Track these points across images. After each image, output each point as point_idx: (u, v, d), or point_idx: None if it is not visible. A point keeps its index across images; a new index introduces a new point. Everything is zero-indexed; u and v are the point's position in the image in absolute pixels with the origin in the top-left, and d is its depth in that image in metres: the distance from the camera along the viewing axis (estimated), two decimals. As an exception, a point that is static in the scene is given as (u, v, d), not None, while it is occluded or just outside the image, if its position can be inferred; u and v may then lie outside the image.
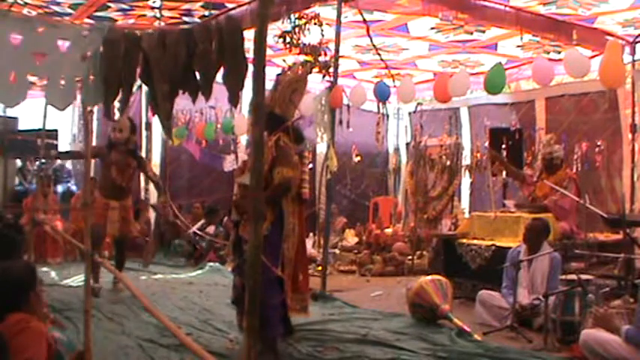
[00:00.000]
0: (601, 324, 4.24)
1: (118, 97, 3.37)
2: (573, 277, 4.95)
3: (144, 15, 7.70)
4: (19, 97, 3.13)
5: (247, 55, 3.32)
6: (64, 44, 3.22)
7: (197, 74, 3.36)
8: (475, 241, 6.66)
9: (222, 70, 3.34)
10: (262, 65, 2.25)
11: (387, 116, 11.75)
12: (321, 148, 8.62)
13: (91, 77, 3.21)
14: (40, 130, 7.05)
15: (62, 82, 3.17)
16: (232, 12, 7.06)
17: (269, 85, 3.84)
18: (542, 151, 7.02)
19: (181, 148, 11.11)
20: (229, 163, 11.10)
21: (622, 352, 3.97)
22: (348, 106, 8.00)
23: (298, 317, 4.87)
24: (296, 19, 7.04)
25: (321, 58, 7.36)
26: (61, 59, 3.15)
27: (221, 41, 3.27)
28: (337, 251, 9.50)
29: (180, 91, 3.39)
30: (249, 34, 3.23)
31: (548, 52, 8.68)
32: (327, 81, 7.54)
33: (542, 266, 5.46)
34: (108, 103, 3.34)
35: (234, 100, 3.36)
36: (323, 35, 7.26)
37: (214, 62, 3.30)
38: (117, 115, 3.65)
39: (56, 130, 11.40)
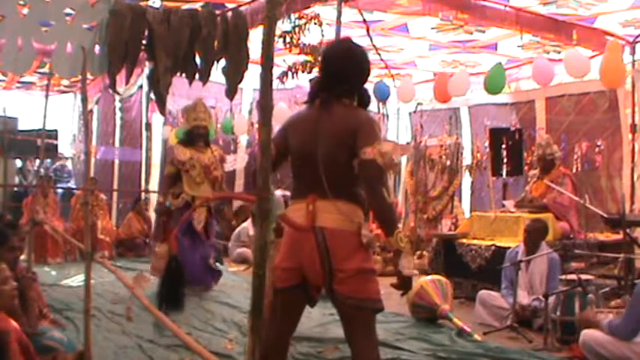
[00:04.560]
0: (584, 326, 4.28)
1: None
2: (573, 277, 4.95)
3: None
4: (25, 65, 3.18)
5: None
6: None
7: (197, 58, 3.36)
8: (475, 241, 6.66)
9: (222, 61, 3.34)
10: (270, 66, 2.24)
11: (387, 116, 11.76)
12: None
13: (97, 47, 3.22)
14: (40, 130, 7.05)
15: (68, 50, 3.19)
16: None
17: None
18: (541, 151, 7.00)
19: (181, 148, 11.09)
20: (229, 163, 11.10)
21: (624, 351, 3.98)
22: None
23: None
24: (296, 19, 7.04)
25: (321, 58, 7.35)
26: (67, 28, 3.17)
27: (226, 32, 3.28)
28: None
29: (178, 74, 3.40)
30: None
31: (548, 52, 8.68)
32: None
33: (540, 267, 5.46)
34: (113, 74, 3.34)
35: (231, 93, 3.36)
36: (323, 35, 7.26)
37: (216, 49, 3.30)
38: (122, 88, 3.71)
39: (56, 130, 11.43)
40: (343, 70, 2.84)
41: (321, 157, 2.72)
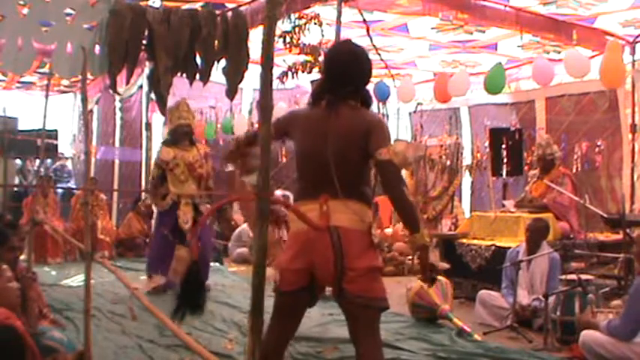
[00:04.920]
0: (584, 327, 4.29)
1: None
2: (573, 277, 4.95)
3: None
4: (25, 65, 3.18)
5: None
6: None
7: (198, 58, 3.35)
8: (475, 241, 6.65)
9: (222, 61, 3.34)
10: (270, 66, 2.24)
11: (387, 116, 11.75)
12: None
13: (97, 47, 3.22)
14: (40, 130, 7.05)
15: (69, 50, 3.19)
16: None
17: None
18: (542, 151, 6.99)
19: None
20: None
21: (624, 351, 3.99)
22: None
23: None
24: (296, 19, 7.04)
25: (321, 58, 7.36)
26: (67, 28, 3.17)
27: (226, 32, 3.27)
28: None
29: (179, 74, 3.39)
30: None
31: (548, 52, 8.69)
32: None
33: (541, 267, 5.45)
34: (113, 74, 3.33)
35: (231, 93, 3.36)
36: (323, 35, 7.26)
37: (216, 49, 3.30)
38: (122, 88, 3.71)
39: (56, 130, 11.44)
40: (347, 72, 2.88)
41: (333, 158, 2.75)
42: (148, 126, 10.85)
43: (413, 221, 2.79)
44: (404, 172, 9.27)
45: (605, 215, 6.25)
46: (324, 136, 2.78)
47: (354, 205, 2.78)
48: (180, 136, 6.88)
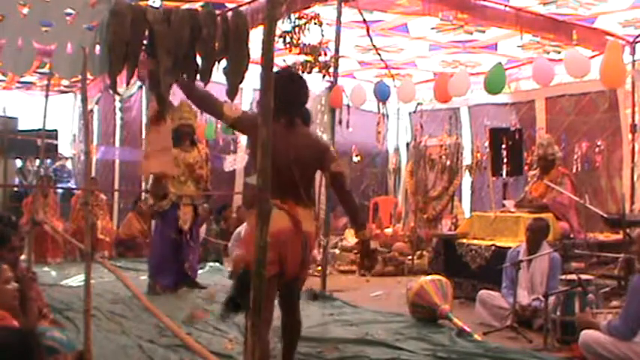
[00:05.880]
0: (584, 327, 4.28)
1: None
2: (573, 277, 4.95)
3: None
4: (26, 65, 3.20)
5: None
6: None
7: (198, 58, 3.35)
8: (475, 241, 6.66)
9: (223, 61, 3.34)
10: (270, 66, 2.25)
11: (387, 116, 11.76)
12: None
13: (97, 47, 3.23)
14: (40, 130, 7.05)
15: (69, 50, 3.20)
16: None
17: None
18: (543, 151, 6.99)
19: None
20: (229, 163, 11.11)
21: (624, 351, 3.98)
22: (348, 106, 8.02)
23: None
24: (296, 19, 7.05)
25: (321, 58, 7.37)
26: (67, 28, 3.18)
27: (226, 32, 3.28)
28: (337, 251, 9.50)
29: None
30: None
31: (548, 52, 8.69)
32: (327, 81, 7.55)
33: (541, 266, 5.46)
34: (114, 74, 3.33)
35: (232, 93, 3.36)
36: (323, 35, 7.27)
37: (216, 49, 3.30)
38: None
39: (56, 130, 11.44)
40: (292, 97, 3.52)
41: (296, 169, 3.41)
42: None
43: (360, 220, 3.65)
44: (404, 173, 9.46)
45: (605, 215, 6.25)
46: (288, 151, 3.37)
47: (312, 212, 3.60)
48: (182, 136, 6.88)
